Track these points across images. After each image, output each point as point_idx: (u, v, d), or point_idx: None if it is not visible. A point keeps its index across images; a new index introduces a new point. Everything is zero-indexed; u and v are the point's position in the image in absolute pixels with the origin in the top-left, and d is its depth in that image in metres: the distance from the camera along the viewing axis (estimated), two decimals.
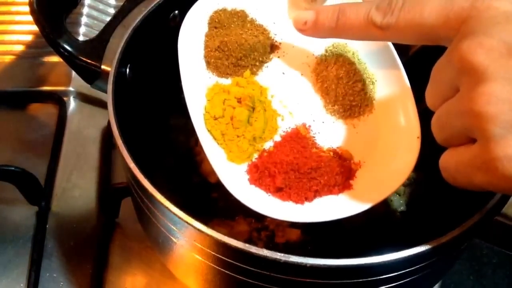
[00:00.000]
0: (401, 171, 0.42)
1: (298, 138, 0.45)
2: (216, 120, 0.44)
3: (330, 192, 0.42)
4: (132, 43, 0.51)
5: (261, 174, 0.42)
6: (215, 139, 0.44)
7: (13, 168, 0.59)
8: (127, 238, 0.61)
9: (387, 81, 0.46)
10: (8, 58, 0.76)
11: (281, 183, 0.41)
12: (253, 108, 0.45)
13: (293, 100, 0.48)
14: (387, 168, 0.43)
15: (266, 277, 0.39)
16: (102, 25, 0.54)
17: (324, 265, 0.36)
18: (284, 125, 0.46)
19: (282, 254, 0.37)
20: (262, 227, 0.54)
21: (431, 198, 0.55)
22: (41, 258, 0.58)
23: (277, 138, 0.45)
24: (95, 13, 0.80)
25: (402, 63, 0.46)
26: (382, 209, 0.49)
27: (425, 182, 0.56)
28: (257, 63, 0.48)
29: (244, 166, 0.44)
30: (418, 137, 0.43)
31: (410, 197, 0.55)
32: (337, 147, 0.45)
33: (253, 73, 0.48)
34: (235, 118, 0.44)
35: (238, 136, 0.44)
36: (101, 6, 0.81)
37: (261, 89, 0.47)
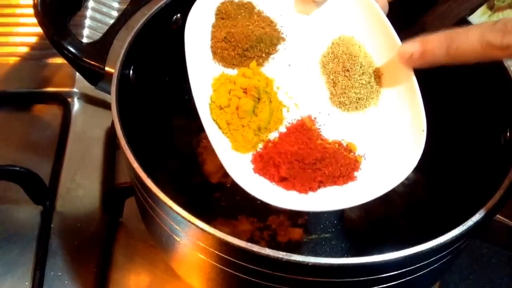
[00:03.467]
0: (406, 164, 0.42)
1: (304, 130, 0.45)
2: (221, 109, 0.44)
3: (334, 183, 0.42)
4: (135, 45, 0.51)
5: (265, 164, 0.42)
6: (220, 128, 0.44)
7: (18, 168, 0.59)
8: (131, 237, 0.61)
9: (393, 74, 0.46)
10: (12, 60, 0.77)
11: (286, 173, 0.41)
12: (259, 99, 0.45)
13: (299, 92, 0.47)
14: (392, 161, 0.43)
15: (269, 275, 0.39)
16: (106, 28, 0.54)
17: (325, 263, 0.37)
18: (290, 117, 0.46)
19: (284, 253, 0.37)
20: (264, 226, 0.54)
21: (431, 198, 0.55)
22: (46, 257, 0.58)
23: (283, 129, 0.45)
24: (98, 16, 0.80)
25: None
26: (382, 209, 0.50)
27: (425, 182, 0.56)
28: (264, 55, 0.48)
29: (249, 156, 0.43)
30: (423, 130, 0.43)
31: (410, 197, 0.55)
32: (342, 139, 0.45)
33: (259, 64, 0.48)
34: (241, 108, 0.44)
35: (243, 126, 0.44)
36: (104, 9, 0.82)
37: (267, 80, 0.47)
